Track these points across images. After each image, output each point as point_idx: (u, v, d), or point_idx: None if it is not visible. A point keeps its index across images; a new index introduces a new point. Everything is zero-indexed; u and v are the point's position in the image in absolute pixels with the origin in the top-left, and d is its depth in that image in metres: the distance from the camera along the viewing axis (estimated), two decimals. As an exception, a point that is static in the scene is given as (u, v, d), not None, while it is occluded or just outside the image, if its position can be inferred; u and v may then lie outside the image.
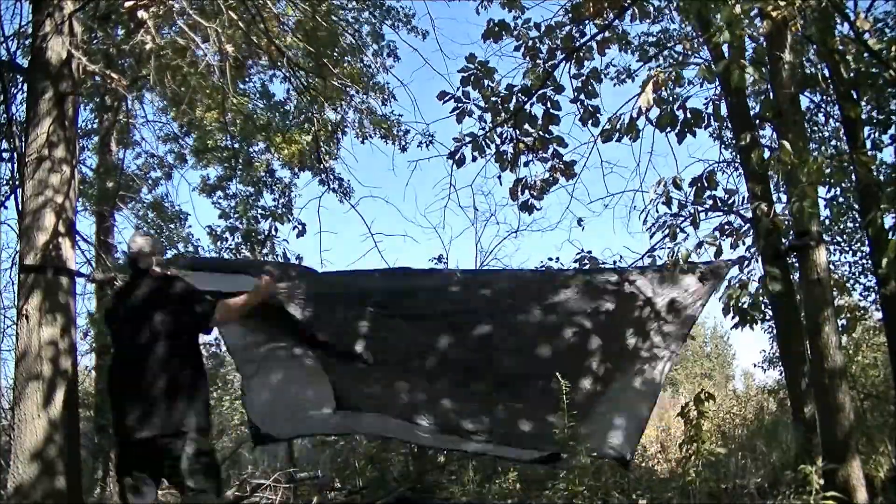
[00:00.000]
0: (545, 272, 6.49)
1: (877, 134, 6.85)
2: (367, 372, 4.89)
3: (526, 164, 6.35)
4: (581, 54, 5.94)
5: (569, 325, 5.19)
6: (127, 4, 4.34)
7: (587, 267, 6.39)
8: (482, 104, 6.14)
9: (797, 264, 5.47)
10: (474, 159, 6.25)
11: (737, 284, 4.98)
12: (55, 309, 4.48)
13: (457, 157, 6.24)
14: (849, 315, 5.57)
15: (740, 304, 4.92)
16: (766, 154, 5.39)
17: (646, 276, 5.35)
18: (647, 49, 8.00)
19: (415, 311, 5.21)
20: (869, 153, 6.19)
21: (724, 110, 6.09)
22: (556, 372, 4.57)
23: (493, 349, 5.11)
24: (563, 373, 4.57)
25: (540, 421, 4.80)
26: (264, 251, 9.47)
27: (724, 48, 5.07)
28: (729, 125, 7.05)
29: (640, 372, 5.07)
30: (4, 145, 5.95)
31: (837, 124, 7.83)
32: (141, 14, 4.31)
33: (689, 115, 5.16)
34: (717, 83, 6.37)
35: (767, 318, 8.14)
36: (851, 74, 5.74)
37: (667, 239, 5.47)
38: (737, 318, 5.07)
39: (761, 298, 5.26)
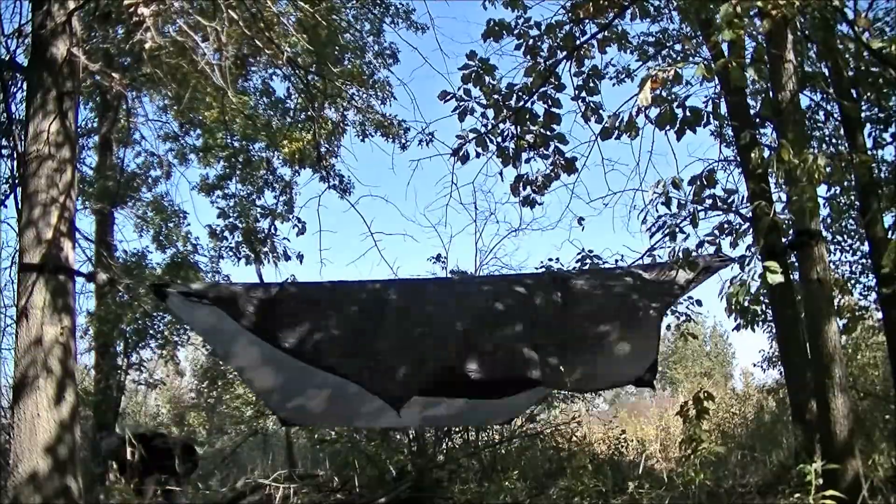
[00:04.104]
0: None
1: (878, 132, 6.85)
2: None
3: (527, 160, 6.35)
4: (582, 52, 5.94)
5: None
6: (127, 1, 4.33)
7: (586, 267, 6.41)
8: (483, 102, 6.13)
9: (797, 264, 5.46)
10: (478, 155, 6.24)
11: (738, 283, 4.97)
12: (55, 307, 4.48)
13: (460, 154, 6.24)
14: (849, 315, 5.56)
15: (742, 302, 4.91)
16: (766, 153, 5.38)
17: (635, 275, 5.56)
18: (647, 49, 7.99)
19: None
20: (870, 151, 6.19)
21: (723, 109, 6.09)
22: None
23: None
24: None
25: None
26: (264, 249, 9.47)
27: (724, 47, 5.07)
28: (729, 123, 7.05)
29: (637, 323, 5.41)
30: (4, 143, 5.95)
31: (837, 123, 7.82)
32: (142, 10, 4.30)
33: (688, 114, 5.15)
34: (717, 82, 6.36)
35: (768, 318, 8.15)
36: (851, 73, 5.74)
37: (666, 239, 5.47)
38: (739, 320, 5.08)
39: (761, 293, 5.25)
